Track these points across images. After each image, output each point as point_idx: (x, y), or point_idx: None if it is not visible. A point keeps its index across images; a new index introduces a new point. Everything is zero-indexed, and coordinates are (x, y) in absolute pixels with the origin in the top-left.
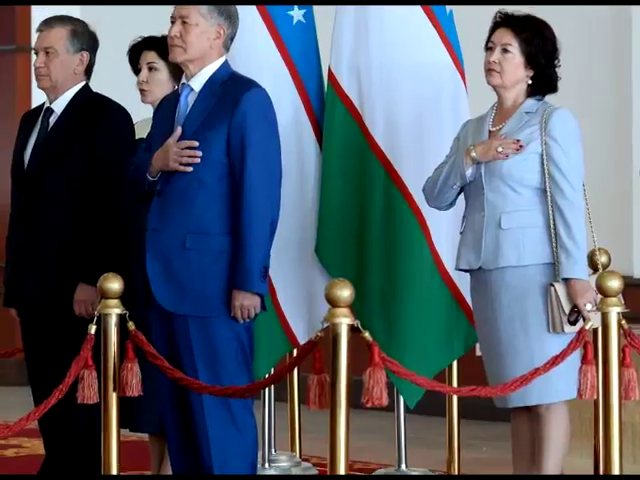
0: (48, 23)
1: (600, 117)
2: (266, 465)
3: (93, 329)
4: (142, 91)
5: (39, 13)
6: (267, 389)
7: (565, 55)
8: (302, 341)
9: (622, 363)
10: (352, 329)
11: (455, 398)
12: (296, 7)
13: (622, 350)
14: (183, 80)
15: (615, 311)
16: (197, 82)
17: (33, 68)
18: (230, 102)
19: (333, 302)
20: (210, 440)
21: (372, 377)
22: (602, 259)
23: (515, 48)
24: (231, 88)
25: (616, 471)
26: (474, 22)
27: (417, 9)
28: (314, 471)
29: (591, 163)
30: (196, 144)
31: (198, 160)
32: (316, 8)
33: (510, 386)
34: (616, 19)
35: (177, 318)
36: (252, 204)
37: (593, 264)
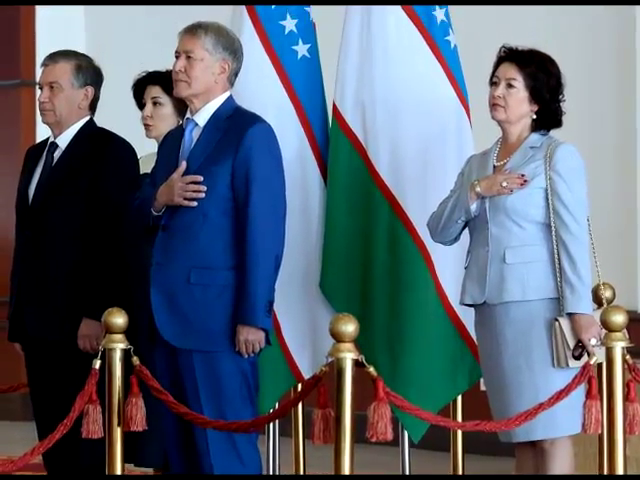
0: (52, 58)
1: (604, 151)
2: None
3: (97, 364)
4: (147, 126)
5: (44, 48)
6: (271, 424)
7: (570, 90)
8: (307, 376)
9: (626, 398)
10: (356, 364)
11: (460, 433)
12: (300, 42)
13: (627, 385)
14: (188, 115)
15: (620, 346)
16: (202, 117)
17: (38, 103)
18: (235, 137)
19: (337, 337)
20: (215, 474)
21: (377, 412)
22: (607, 294)
23: (520, 83)
24: (236, 123)
25: None
26: (478, 56)
27: (422, 44)
28: None
29: (596, 197)
30: (200, 179)
31: (203, 195)
32: (321, 44)
33: (515, 421)
34: (621, 52)
35: (181, 353)
36: (257, 239)
37: (598, 299)
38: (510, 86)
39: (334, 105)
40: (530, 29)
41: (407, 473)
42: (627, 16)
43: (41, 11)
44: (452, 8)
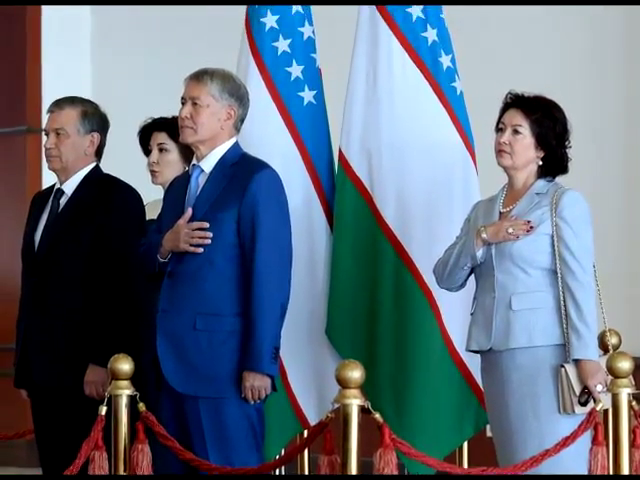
0: (58, 104)
1: (610, 198)
2: None
3: (104, 410)
4: (153, 172)
5: (50, 94)
6: (278, 470)
7: (576, 136)
8: (313, 422)
9: (633, 444)
10: (362, 410)
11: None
12: (307, 88)
13: (633, 431)
14: (194, 161)
15: (626, 392)
16: (208, 163)
17: (44, 149)
18: (241, 183)
19: (343, 383)
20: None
21: (383, 458)
22: (613, 340)
23: (526, 129)
24: (242, 169)
25: None
26: (484, 103)
27: (428, 90)
28: None
29: (602, 244)
30: (206, 225)
31: (209, 241)
32: (327, 90)
33: (521, 467)
34: (629, 99)
35: (188, 399)
36: (263, 285)
37: (604, 345)
38: (516, 132)
39: (340, 151)
40: (536, 75)
41: None
42: (635, 63)
43: (47, 56)
44: (458, 55)
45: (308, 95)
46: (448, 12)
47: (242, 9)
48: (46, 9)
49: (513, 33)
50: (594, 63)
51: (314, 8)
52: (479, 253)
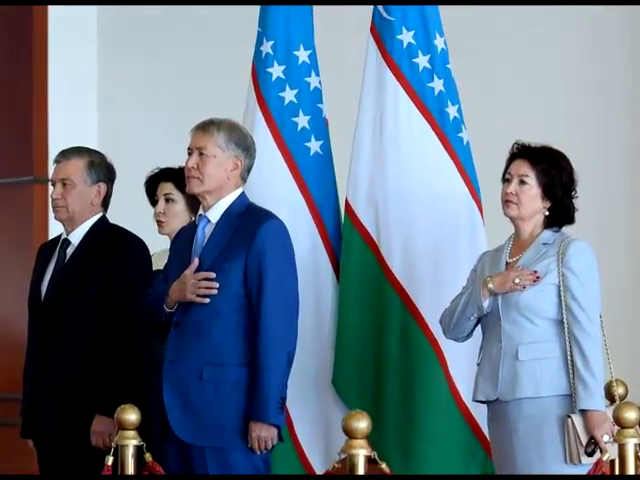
0: (65, 155)
1: (617, 248)
2: None
3: (110, 460)
4: (159, 222)
5: (56, 144)
6: None
7: (582, 186)
8: (319, 472)
9: None
10: (369, 460)
11: None
12: (313, 138)
13: None
14: (200, 211)
15: (632, 443)
16: (214, 213)
17: (50, 200)
18: (247, 234)
19: (350, 433)
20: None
21: None
22: (619, 390)
23: (532, 179)
24: (248, 220)
25: None
26: (491, 153)
27: (435, 140)
28: None
29: (608, 294)
30: (213, 275)
31: (215, 292)
32: (333, 140)
33: None
34: (635, 148)
35: (194, 449)
36: (269, 335)
37: (610, 395)
38: (523, 183)
39: (346, 201)
40: (543, 126)
41: None
42: (638, 111)
43: (54, 107)
44: (465, 105)
45: (315, 145)
46: (454, 62)
47: (249, 57)
48: (53, 57)
49: (522, 85)
50: (600, 111)
51: (321, 59)
52: (486, 303)
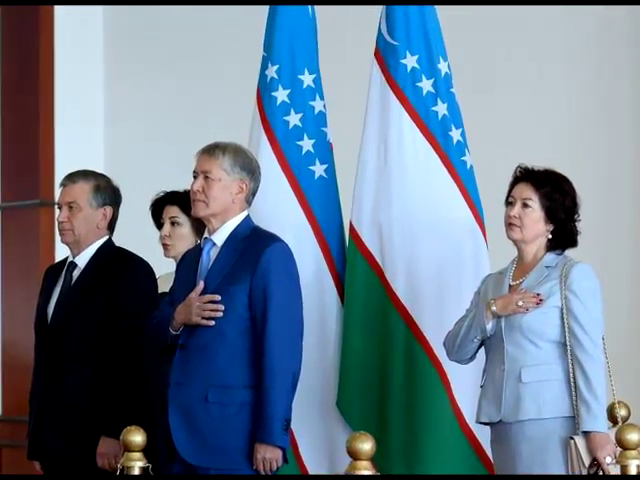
0: (71, 178)
1: (620, 271)
2: None
3: None
4: (165, 245)
5: (63, 168)
6: None
7: (585, 209)
8: None
9: None
10: None
11: None
12: (317, 162)
13: None
14: (205, 234)
15: (635, 464)
16: (219, 237)
17: (57, 223)
18: (252, 257)
19: (354, 455)
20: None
21: None
22: (622, 412)
23: (535, 203)
24: (253, 242)
25: None
26: (494, 176)
27: (438, 164)
28: None
29: (611, 316)
30: (218, 298)
31: (220, 314)
32: (338, 163)
33: None
34: (637, 171)
35: (200, 470)
36: (274, 358)
37: (613, 417)
38: (526, 206)
39: (351, 224)
40: (546, 149)
41: None
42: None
43: (60, 130)
44: (468, 129)
45: (319, 169)
46: (458, 87)
47: (254, 81)
48: (59, 79)
49: (525, 109)
50: (604, 135)
51: (325, 83)
52: (489, 326)
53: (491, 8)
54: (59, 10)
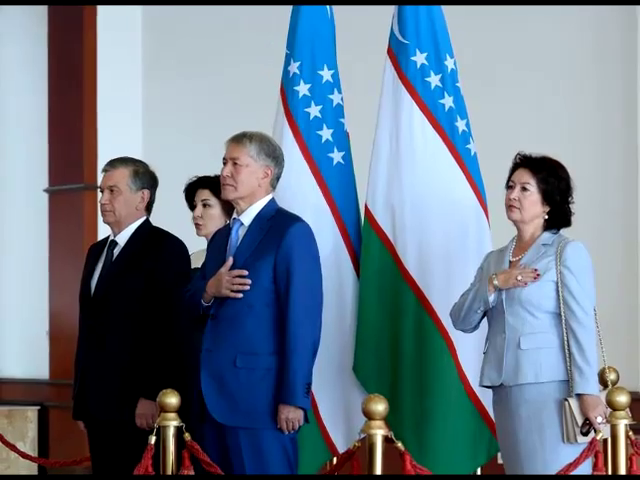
0: (112, 164)
1: (610, 249)
2: None
3: (153, 440)
4: (197, 225)
5: (105, 155)
6: None
7: (579, 192)
8: (341, 450)
9: (629, 470)
10: (386, 439)
11: None
12: (336, 150)
13: (629, 458)
14: (234, 215)
15: (623, 423)
16: (247, 217)
17: (99, 205)
18: (276, 235)
19: (369, 415)
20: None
21: None
22: (611, 376)
23: (533, 186)
24: (277, 223)
25: None
26: (496, 162)
27: (445, 151)
28: None
29: (602, 290)
30: (246, 273)
31: (248, 287)
32: (354, 151)
33: None
34: (628, 158)
35: (228, 429)
36: (296, 327)
37: (603, 381)
38: (524, 189)
39: (366, 206)
40: (543, 138)
41: None
42: (632, 124)
43: (102, 121)
44: (472, 118)
45: (337, 156)
46: (463, 81)
47: (278, 77)
48: (101, 77)
49: (525, 101)
50: (598, 126)
51: (343, 78)
52: (491, 298)
53: (491, 8)
54: (101, 9)
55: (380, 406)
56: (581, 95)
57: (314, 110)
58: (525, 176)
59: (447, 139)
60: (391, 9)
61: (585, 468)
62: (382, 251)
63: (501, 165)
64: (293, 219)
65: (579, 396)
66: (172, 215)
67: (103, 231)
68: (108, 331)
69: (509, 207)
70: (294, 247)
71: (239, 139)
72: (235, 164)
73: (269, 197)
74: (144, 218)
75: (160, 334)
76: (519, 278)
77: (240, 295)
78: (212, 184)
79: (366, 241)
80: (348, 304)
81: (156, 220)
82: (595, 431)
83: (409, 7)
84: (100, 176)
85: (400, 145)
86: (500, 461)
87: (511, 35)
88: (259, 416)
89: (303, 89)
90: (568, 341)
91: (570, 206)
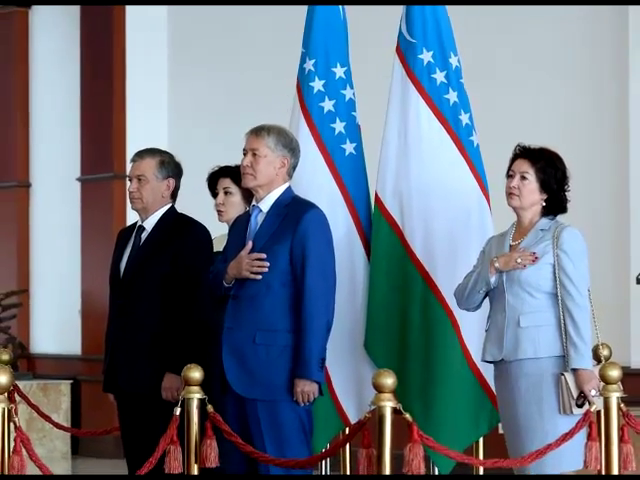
0: (140, 155)
1: (603, 233)
2: None
3: (178, 411)
4: (219, 212)
5: (133, 146)
6: (323, 461)
7: (574, 181)
8: (353, 421)
9: (621, 440)
10: (395, 411)
11: (481, 469)
12: (348, 141)
13: (621, 429)
14: (253, 202)
15: (615, 396)
16: (265, 204)
17: (127, 193)
18: (293, 221)
19: (379, 388)
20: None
21: (412, 451)
22: (604, 352)
23: (531, 175)
24: (293, 209)
25: None
26: (497, 153)
27: (450, 143)
28: None
29: (595, 271)
30: (264, 256)
31: (266, 269)
32: (365, 142)
33: (528, 458)
34: (620, 150)
35: (248, 402)
36: (311, 306)
37: (597, 356)
38: (523, 178)
39: (376, 194)
40: (541, 131)
41: None
42: (624, 120)
43: (131, 114)
44: (475, 112)
45: (349, 147)
46: (466, 77)
47: (294, 74)
48: (130, 74)
49: (524, 95)
50: (591, 123)
51: (355, 74)
52: (492, 279)
53: (491, 8)
54: (130, 9)
55: (389, 380)
56: (576, 90)
57: (328, 104)
58: (524, 166)
59: (452, 131)
60: (400, 10)
61: (580, 438)
62: (391, 236)
63: (502, 156)
64: (308, 206)
65: (574, 371)
66: (196, 202)
67: (131, 217)
68: (136, 310)
69: (509, 195)
70: (309, 232)
71: (258, 131)
72: (254, 155)
73: (286, 185)
74: (170, 205)
75: (185, 313)
76: (519, 261)
77: (259, 277)
78: (233, 173)
79: (376, 226)
80: (359, 285)
81: (181, 207)
82: (589, 403)
83: (416, 8)
84: (129, 166)
85: (408, 137)
86: (501, 431)
87: (511, 34)
88: (277, 389)
89: (318, 85)
90: (564, 319)
91: (566, 194)
